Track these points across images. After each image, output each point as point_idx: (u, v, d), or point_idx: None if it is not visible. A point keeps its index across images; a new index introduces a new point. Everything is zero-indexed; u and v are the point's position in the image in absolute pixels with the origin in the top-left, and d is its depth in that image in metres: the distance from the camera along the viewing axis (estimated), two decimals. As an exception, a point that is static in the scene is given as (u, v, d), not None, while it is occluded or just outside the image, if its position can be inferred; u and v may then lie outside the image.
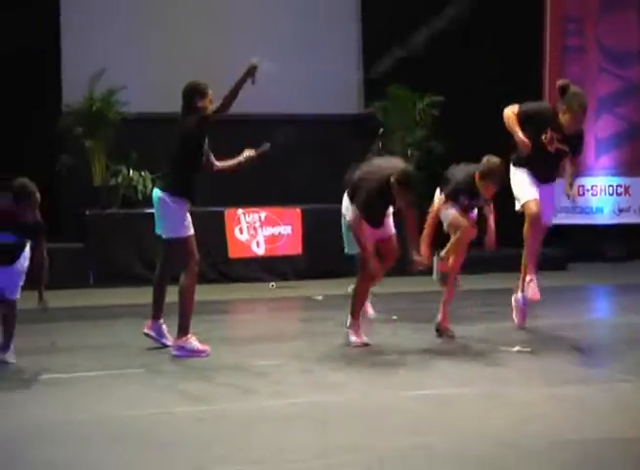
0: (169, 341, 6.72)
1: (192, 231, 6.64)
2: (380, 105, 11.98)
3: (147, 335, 6.80)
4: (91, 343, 7.14)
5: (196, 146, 6.65)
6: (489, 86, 12.34)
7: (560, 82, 7.11)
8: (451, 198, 6.99)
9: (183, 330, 6.56)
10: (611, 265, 12.23)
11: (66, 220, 11.17)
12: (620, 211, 12.89)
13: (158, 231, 6.76)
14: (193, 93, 6.67)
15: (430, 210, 7.18)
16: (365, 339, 6.87)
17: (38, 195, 6.02)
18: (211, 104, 6.65)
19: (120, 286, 10.30)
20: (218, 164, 6.95)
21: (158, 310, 6.84)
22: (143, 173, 10.82)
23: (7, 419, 4.88)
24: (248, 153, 7.06)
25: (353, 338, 6.86)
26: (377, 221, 6.88)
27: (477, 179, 6.88)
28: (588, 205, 12.82)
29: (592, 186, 12.86)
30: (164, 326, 6.82)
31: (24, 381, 5.76)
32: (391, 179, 6.60)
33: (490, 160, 6.97)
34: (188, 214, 6.64)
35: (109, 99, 10.95)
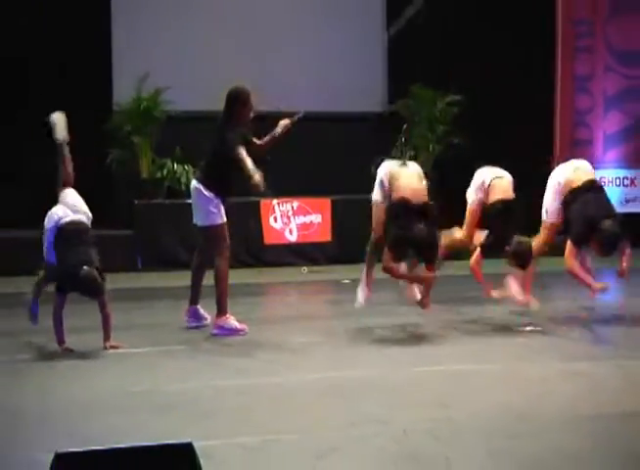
0: (209, 319, 6.74)
1: (224, 219, 6.60)
2: (403, 103, 11.93)
3: (190, 327, 6.80)
4: (139, 322, 7.16)
5: (229, 154, 6.60)
6: (505, 85, 12.26)
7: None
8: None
9: (221, 310, 6.55)
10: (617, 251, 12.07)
11: (116, 209, 11.22)
12: (627, 201, 12.76)
13: (195, 221, 6.74)
14: (235, 100, 6.61)
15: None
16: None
17: None
18: (252, 111, 6.61)
19: (165, 270, 10.32)
20: (261, 142, 6.82)
21: (195, 295, 6.85)
22: (186, 167, 10.83)
23: (68, 391, 4.92)
24: (283, 122, 6.85)
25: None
26: None
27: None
28: (597, 195, 12.70)
29: (600, 178, 12.63)
30: (201, 309, 6.84)
31: (81, 357, 5.78)
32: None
33: (520, 243, 6.57)
34: (221, 205, 6.60)
35: (155, 98, 10.95)
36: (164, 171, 10.95)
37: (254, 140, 6.77)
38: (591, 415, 4.30)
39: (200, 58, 11.61)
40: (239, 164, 6.40)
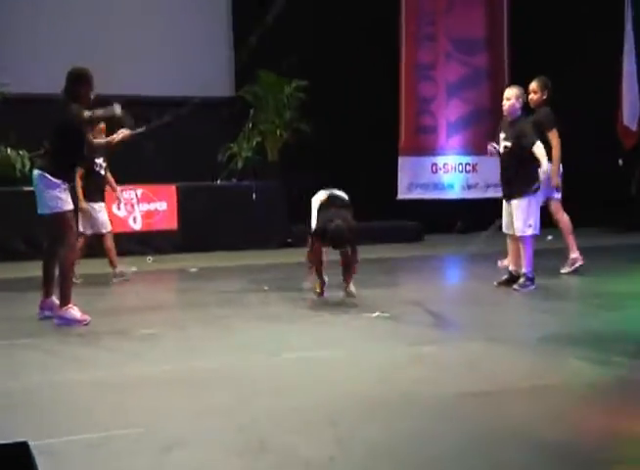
0: None
1: (70, 206, 6.49)
2: (250, 89, 11.92)
3: (44, 317, 6.60)
4: (-27, 316, 6.88)
5: (76, 136, 6.49)
6: (351, 73, 12.44)
7: None
8: None
9: (64, 300, 6.45)
10: (460, 236, 12.51)
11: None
12: (469, 186, 13.19)
13: (39, 211, 6.53)
14: (77, 79, 6.51)
15: None
16: None
17: None
18: (92, 92, 6.52)
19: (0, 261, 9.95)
20: (96, 140, 6.83)
21: (49, 287, 6.68)
22: (21, 152, 10.44)
23: None
24: (124, 133, 7.08)
25: None
26: None
27: None
28: (440, 181, 13.09)
29: (444, 164, 13.10)
30: (57, 300, 6.64)
31: None
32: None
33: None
34: (67, 191, 6.47)
35: (-12, 79, 10.50)
36: (-3, 157, 10.53)
37: (89, 136, 6.75)
38: (432, 396, 4.44)
39: (40, 39, 11.22)
40: (93, 120, 6.33)
